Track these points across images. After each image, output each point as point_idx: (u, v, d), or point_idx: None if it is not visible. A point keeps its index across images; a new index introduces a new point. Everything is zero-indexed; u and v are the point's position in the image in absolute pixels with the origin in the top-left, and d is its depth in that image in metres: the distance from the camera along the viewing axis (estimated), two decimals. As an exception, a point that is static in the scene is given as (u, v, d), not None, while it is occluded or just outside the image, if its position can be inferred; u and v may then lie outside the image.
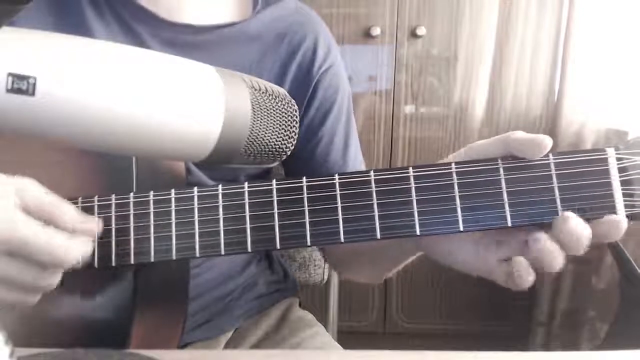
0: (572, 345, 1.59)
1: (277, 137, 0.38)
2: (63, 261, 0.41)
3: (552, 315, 1.64)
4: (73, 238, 0.42)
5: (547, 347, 1.65)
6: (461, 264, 0.45)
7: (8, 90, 0.29)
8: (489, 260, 0.43)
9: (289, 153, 0.40)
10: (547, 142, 0.40)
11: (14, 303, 0.43)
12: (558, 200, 0.40)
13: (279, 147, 0.39)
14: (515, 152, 0.41)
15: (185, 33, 0.65)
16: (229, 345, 0.70)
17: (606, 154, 0.40)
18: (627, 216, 0.40)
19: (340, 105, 0.73)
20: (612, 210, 0.40)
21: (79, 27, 0.62)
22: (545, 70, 1.60)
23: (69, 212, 0.43)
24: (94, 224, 0.45)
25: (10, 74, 0.29)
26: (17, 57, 0.29)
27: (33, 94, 0.30)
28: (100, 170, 0.51)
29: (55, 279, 0.43)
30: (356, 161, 0.75)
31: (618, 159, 0.40)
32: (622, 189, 0.39)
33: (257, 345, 0.70)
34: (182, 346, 0.64)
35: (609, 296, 1.49)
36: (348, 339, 0.90)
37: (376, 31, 1.57)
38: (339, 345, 0.73)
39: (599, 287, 1.54)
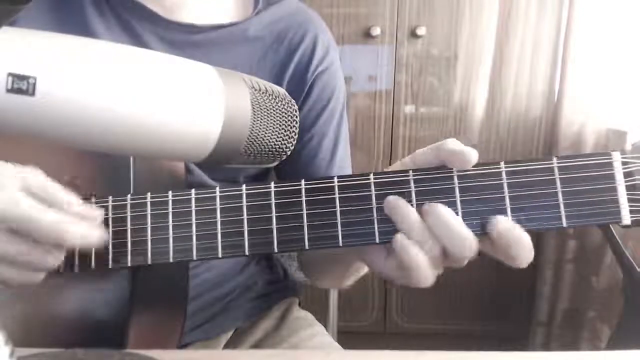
0: (572, 345, 1.59)
1: (277, 137, 0.38)
2: (66, 239, 0.42)
3: (552, 315, 1.64)
4: (76, 219, 0.43)
5: (547, 347, 1.65)
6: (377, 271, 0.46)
7: (8, 90, 0.29)
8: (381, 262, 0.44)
9: (289, 153, 0.40)
10: (474, 157, 0.40)
11: (17, 282, 0.44)
12: (562, 206, 0.39)
13: (279, 147, 0.39)
14: (446, 162, 0.41)
15: (186, 32, 0.65)
16: (228, 345, 0.70)
17: (611, 158, 0.39)
18: (632, 222, 0.39)
19: (333, 108, 0.73)
20: (617, 216, 0.39)
21: (80, 27, 0.62)
22: (545, 70, 1.60)
23: (71, 197, 0.44)
24: (97, 211, 0.45)
25: (10, 74, 0.29)
26: (17, 57, 0.29)
27: (33, 94, 0.30)
28: (98, 171, 0.51)
29: (58, 258, 0.44)
30: (343, 165, 0.74)
31: (623, 163, 0.39)
32: (628, 194, 0.39)
33: (256, 345, 0.70)
34: (182, 346, 0.64)
35: (610, 296, 1.49)
36: (348, 339, 0.90)
37: (376, 31, 1.57)
38: (339, 345, 0.73)
39: (599, 287, 1.54)
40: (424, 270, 0.40)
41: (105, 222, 0.46)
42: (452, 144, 0.40)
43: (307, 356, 0.53)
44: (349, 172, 0.75)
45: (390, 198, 0.41)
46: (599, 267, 1.53)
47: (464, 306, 1.72)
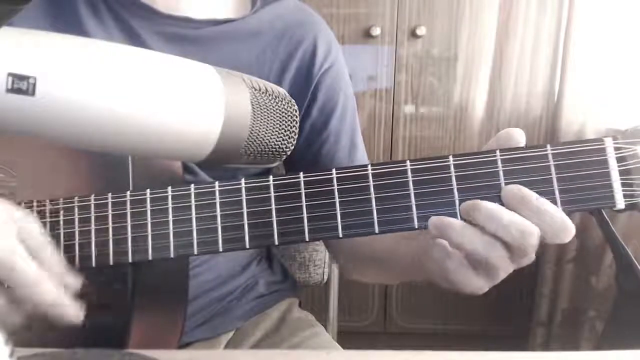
0: (572, 345, 1.59)
1: (277, 137, 0.38)
2: (38, 300, 0.41)
3: (552, 315, 1.64)
4: (59, 289, 0.42)
5: (547, 347, 1.65)
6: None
7: (8, 90, 0.29)
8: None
9: (289, 153, 0.40)
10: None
11: None
12: (557, 192, 0.40)
13: (279, 147, 0.39)
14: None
15: (183, 27, 0.64)
16: (229, 345, 0.70)
17: (604, 144, 0.40)
18: (626, 206, 0.39)
19: (344, 105, 0.72)
20: (611, 200, 0.40)
21: (74, 25, 0.62)
22: (545, 70, 1.60)
23: (56, 258, 0.44)
24: (76, 280, 0.45)
25: (10, 74, 0.29)
26: (17, 57, 0.30)
27: (33, 94, 0.30)
28: (97, 170, 0.51)
29: (19, 315, 0.43)
30: (363, 159, 0.74)
31: (616, 149, 0.40)
32: (621, 179, 0.39)
33: (257, 346, 0.70)
34: (182, 346, 0.64)
35: (609, 296, 1.49)
36: (348, 339, 0.90)
37: (376, 31, 1.57)
38: (339, 345, 0.73)
39: (599, 287, 1.54)
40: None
41: (105, 219, 0.46)
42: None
43: (307, 356, 0.53)
44: None
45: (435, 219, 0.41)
46: (599, 267, 1.53)
47: (464, 306, 1.72)
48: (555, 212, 0.39)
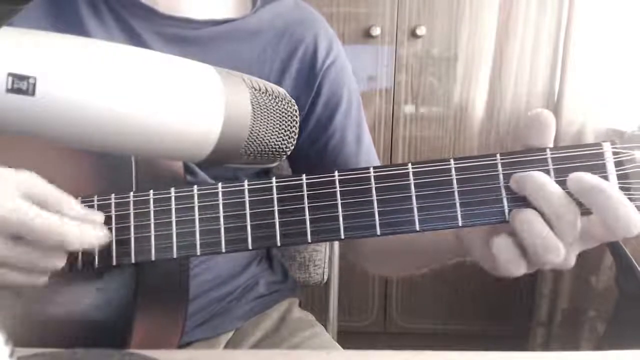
0: (572, 345, 1.59)
1: (277, 137, 0.38)
2: (65, 242, 0.42)
3: (552, 315, 1.64)
4: (76, 222, 0.43)
5: (547, 347, 1.65)
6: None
7: (8, 90, 0.29)
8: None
9: (288, 153, 0.40)
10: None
11: (20, 284, 0.44)
12: None
13: (279, 147, 0.39)
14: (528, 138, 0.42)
15: (183, 27, 0.64)
16: (229, 345, 0.70)
17: (602, 149, 0.40)
18: None
19: (348, 99, 0.72)
20: None
21: (75, 25, 0.62)
22: (545, 70, 1.60)
23: (71, 200, 0.44)
24: (98, 215, 0.46)
25: (10, 74, 0.29)
26: (17, 57, 0.30)
27: (33, 94, 0.30)
28: (100, 170, 0.51)
29: (61, 261, 0.44)
30: (370, 155, 0.74)
31: (614, 153, 0.40)
32: (619, 183, 0.40)
33: (257, 346, 0.70)
34: (182, 346, 0.64)
35: (609, 296, 1.49)
36: (348, 339, 0.90)
37: (376, 31, 1.57)
38: (339, 345, 0.73)
39: (599, 287, 1.54)
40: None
41: (109, 219, 0.46)
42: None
43: (307, 356, 0.53)
44: (377, 160, 0.75)
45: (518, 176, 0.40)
46: (598, 267, 1.53)
47: (464, 306, 1.72)
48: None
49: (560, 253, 0.39)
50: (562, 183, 0.40)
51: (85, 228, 0.43)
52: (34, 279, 0.44)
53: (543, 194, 0.39)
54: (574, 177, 0.39)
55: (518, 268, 0.41)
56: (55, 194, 0.44)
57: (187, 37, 0.64)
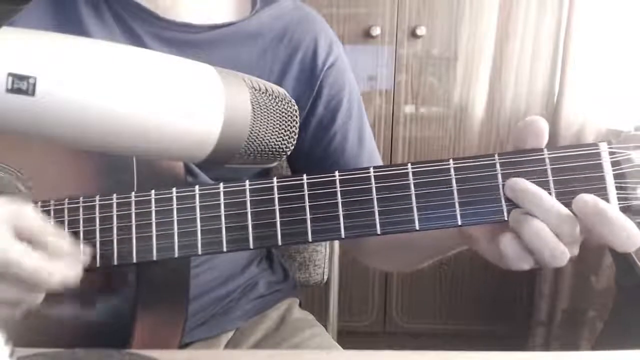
0: (572, 345, 1.59)
1: (277, 137, 0.38)
2: (47, 284, 0.43)
3: (552, 315, 1.64)
4: (58, 262, 0.44)
5: (547, 347, 1.65)
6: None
7: (8, 90, 0.29)
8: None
9: (288, 153, 0.40)
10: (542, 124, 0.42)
11: (6, 314, 0.45)
12: (553, 194, 0.41)
13: (279, 147, 0.39)
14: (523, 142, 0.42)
15: (184, 32, 0.65)
16: (229, 345, 0.70)
17: (599, 149, 0.41)
18: (621, 209, 0.40)
19: (349, 100, 0.72)
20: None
21: (76, 26, 0.62)
22: (545, 70, 1.60)
23: (57, 236, 0.45)
24: (84, 254, 0.47)
25: (10, 74, 0.29)
26: (17, 57, 0.29)
27: (33, 94, 0.30)
28: (101, 171, 0.51)
29: (39, 297, 0.45)
30: (372, 156, 0.74)
31: (611, 153, 0.41)
32: (615, 183, 0.40)
33: (257, 346, 0.70)
34: (182, 346, 0.64)
35: (609, 296, 1.49)
36: (348, 339, 0.90)
37: (376, 31, 1.57)
38: (339, 345, 0.73)
39: (598, 287, 1.54)
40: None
41: (110, 219, 0.47)
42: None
43: (307, 356, 0.53)
44: (379, 161, 0.76)
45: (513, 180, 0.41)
46: (598, 267, 1.53)
47: (464, 306, 1.72)
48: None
49: (566, 258, 0.40)
50: (559, 183, 0.41)
51: (69, 266, 0.44)
52: (11, 312, 0.45)
53: (541, 210, 0.40)
54: (580, 200, 0.40)
55: (526, 263, 0.42)
56: (42, 228, 0.44)
57: (187, 41, 0.65)
